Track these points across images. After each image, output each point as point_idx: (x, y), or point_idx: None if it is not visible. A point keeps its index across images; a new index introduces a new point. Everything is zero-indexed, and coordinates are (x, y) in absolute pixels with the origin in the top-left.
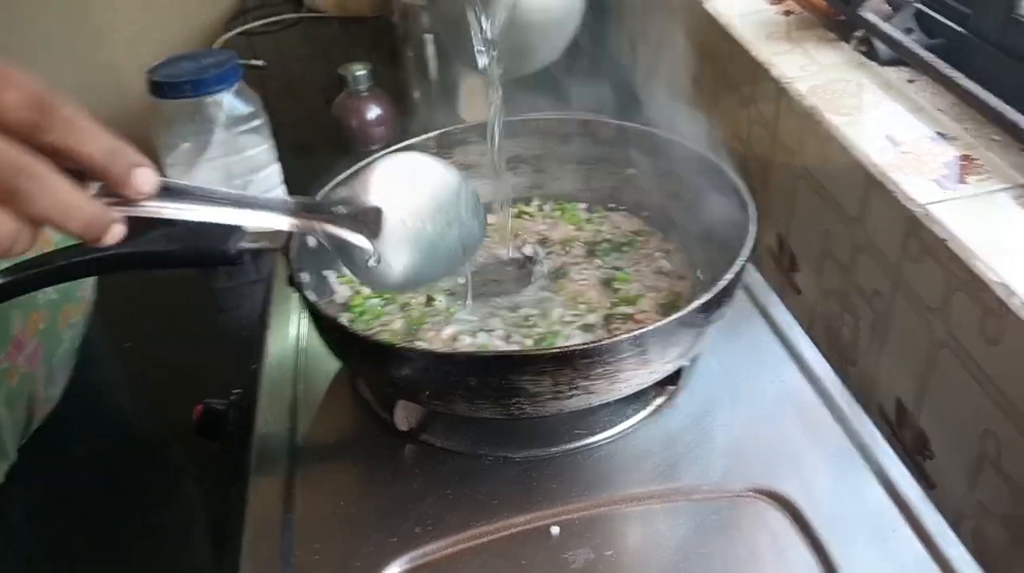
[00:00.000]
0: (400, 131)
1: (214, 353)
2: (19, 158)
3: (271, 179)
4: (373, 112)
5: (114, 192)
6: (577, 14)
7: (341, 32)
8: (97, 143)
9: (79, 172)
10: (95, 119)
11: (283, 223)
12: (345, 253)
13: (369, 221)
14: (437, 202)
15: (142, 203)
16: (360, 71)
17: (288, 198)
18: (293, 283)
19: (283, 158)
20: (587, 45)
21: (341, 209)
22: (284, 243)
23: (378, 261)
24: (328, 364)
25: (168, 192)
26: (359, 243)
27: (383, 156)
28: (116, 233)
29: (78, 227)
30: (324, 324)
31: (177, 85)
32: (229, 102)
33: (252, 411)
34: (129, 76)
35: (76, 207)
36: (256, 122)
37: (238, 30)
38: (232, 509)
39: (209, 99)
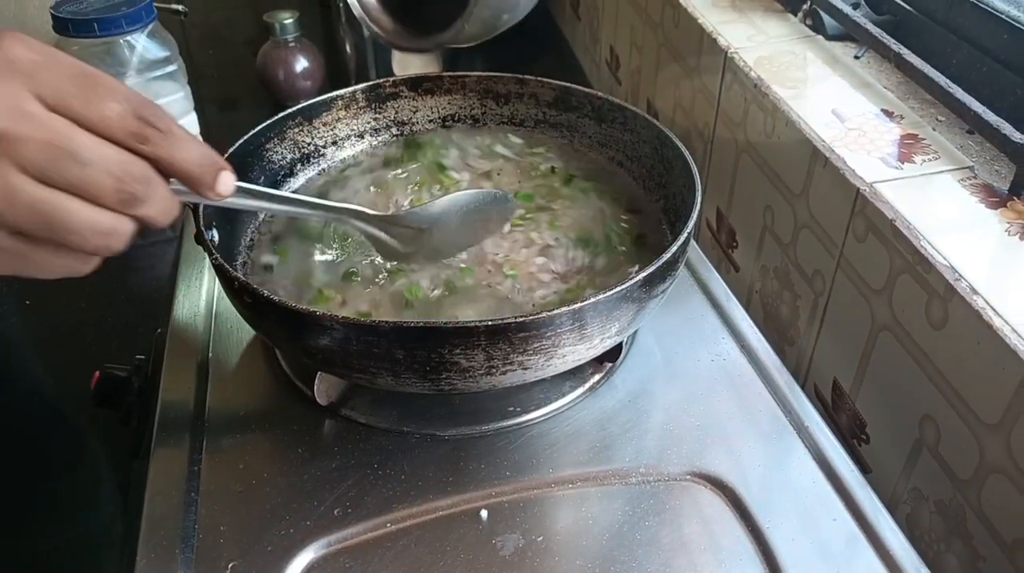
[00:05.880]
0: (328, 85)
1: (121, 315)
2: (145, 170)
3: None
4: (300, 64)
5: (195, 191)
6: None
7: None
8: (191, 153)
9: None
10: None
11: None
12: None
13: (413, 237)
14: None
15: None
16: (288, 19)
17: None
18: (200, 240)
19: (205, 112)
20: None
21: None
22: None
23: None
24: (243, 330)
25: (241, 191)
26: (393, 245)
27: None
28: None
29: (166, 223)
30: (233, 286)
31: (84, 23)
32: (142, 44)
33: (156, 379)
34: (33, 12)
35: (173, 208)
36: (171, 67)
37: None
38: (132, 485)
39: (120, 40)
